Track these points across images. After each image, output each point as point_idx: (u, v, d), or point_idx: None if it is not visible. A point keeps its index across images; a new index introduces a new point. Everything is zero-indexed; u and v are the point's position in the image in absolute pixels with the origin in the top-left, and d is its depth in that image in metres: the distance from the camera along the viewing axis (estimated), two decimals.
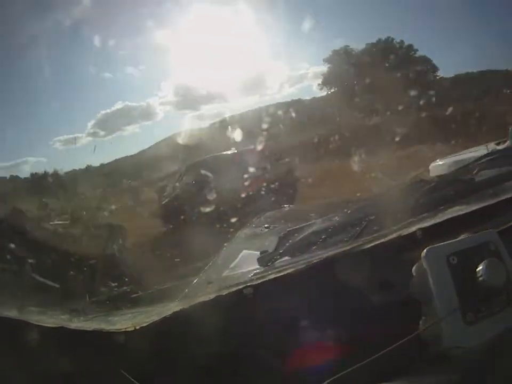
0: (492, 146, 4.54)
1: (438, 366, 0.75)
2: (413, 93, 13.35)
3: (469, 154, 4.83)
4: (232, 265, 1.40)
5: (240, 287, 0.86)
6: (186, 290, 1.29)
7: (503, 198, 1.03)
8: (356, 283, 0.88)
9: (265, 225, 1.71)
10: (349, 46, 25.09)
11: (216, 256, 1.72)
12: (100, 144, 34.01)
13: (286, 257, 1.08)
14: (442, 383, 0.74)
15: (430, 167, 5.35)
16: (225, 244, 1.81)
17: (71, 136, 36.77)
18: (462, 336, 0.76)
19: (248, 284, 0.86)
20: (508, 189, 1.07)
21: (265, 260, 1.11)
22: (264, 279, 0.88)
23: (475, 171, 1.27)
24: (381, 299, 0.85)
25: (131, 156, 25.69)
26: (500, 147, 4.04)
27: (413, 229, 0.93)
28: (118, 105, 38.48)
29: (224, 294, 0.85)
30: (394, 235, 0.93)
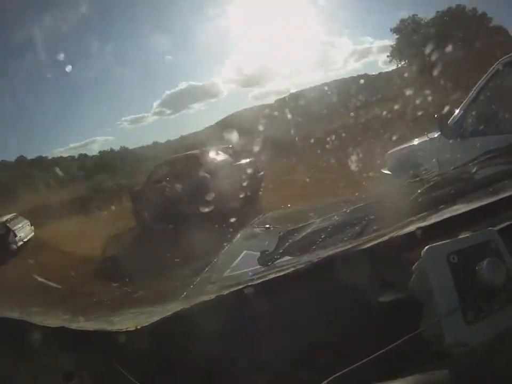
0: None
1: (438, 365, 0.75)
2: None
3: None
4: (233, 265, 1.41)
5: (241, 286, 0.86)
6: (187, 291, 1.30)
7: (503, 196, 1.03)
8: (356, 282, 0.88)
9: (266, 225, 1.71)
10: (417, 15, 23.67)
11: (217, 256, 1.72)
12: (166, 122, 34.60)
13: (286, 257, 1.08)
14: (443, 382, 0.74)
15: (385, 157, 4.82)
16: (225, 244, 1.81)
17: (138, 115, 38.36)
18: (463, 335, 0.76)
19: (249, 284, 0.86)
20: (508, 187, 1.07)
21: (265, 259, 1.12)
22: (265, 279, 0.88)
23: (475, 169, 1.27)
24: (381, 298, 0.86)
25: (196, 132, 25.33)
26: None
27: (413, 228, 0.93)
28: (182, 86, 40.05)
29: (225, 293, 0.85)
30: (394, 234, 0.93)
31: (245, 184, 7.95)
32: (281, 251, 1.10)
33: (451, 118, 3.70)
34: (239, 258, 1.45)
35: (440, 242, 0.83)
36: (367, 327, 0.83)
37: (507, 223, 0.95)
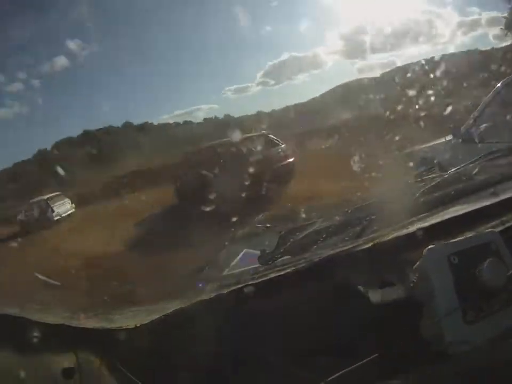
0: None
1: (439, 365, 0.75)
2: None
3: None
4: (233, 264, 1.41)
5: (241, 285, 0.86)
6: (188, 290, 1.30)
7: (504, 198, 1.03)
8: (357, 282, 0.88)
9: (266, 224, 1.71)
10: None
11: (217, 254, 1.72)
12: (270, 92, 34.89)
13: (287, 256, 1.08)
14: (444, 382, 0.74)
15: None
16: (226, 243, 1.81)
17: (242, 85, 40.02)
18: (463, 336, 0.76)
19: (249, 283, 0.86)
20: (509, 189, 1.07)
21: (266, 258, 1.12)
22: (265, 278, 0.88)
23: (476, 170, 1.27)
24: (382, 299, 0.85)
25: (301, 103, 25.12)
26: None
27: (414, 228, 0.93)
28: (284, 56, 39.89)
29: (225, 292, 0.85)
30: (395, 235, 0.93)
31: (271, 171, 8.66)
32: (282, 250, 1.10)
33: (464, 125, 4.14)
34: (239, 257, 1.45)
35: (441, 243, 0.83)
36: (367, 327, 0.83)
37: (508, 224, 0.95)
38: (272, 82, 38.38)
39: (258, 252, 1.23)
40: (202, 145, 11.53)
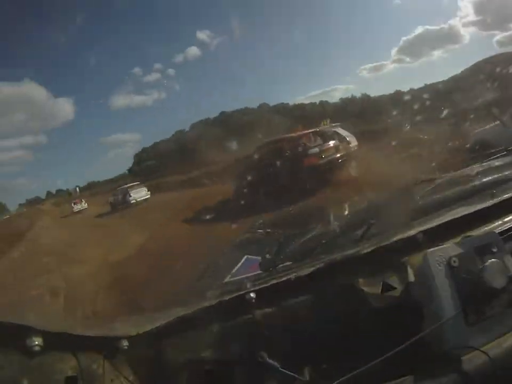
0: None
1: (441, 367, 0.75)
2: None
3: None
4: (234, 271, 1.40)
5: (243, 292, 0.86)
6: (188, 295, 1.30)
7: (503, 199, 1.03)
8: (358, 286, 0.88)
9: (267, 230, 1.71)
10: None
11: (216, 260, 1.72)
12: (407, 70, 33.11)
13: (288, 262, 1.08)
14: (443, 382, 0.74)
15: None
16: (225, 249, 1.81)
17: (376, 64, 37.72)
18: (464, 337, 0.76)
19: (251, 289, 0.86)
20: (508, 190, 1.07)
21: (267, 265, 1.11)
22: (266, 285, 0.88)
23: (476, 172, 1.27)
24: (383, 301, 0.85)
25: (442, 81, 23.05)
26: None
27: (414, 231, 0.93)
28: (418, 30, 36.58)
29: (226, 299, 0.85)
30: (395, 238, 0.93)
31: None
32: (282, 256, 1.10)
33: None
34: (240, 264, 1.44)
35: (441, 246, 0.83)
36: (369, 330, 0.83)
37: (508, 225, 0.95)
38: (408, 59, 36.08)
39: (259, 258, 1.23)
40: (270, 139, 11.79)
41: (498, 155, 1.43)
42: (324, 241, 1.08)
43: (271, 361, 0.80)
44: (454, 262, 0.80)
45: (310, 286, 0.88)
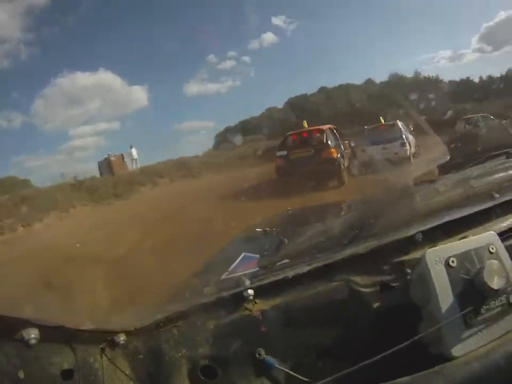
0: None
1: (438, 368, 0.75)
2: None
3: None
4: (231, 268, 1.40)
5: (240, 289, 0.86)
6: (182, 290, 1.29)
7: (503, 200, 1.03)
8: (356, 286, 0.88)
9: (265, 228, 1.70)
10: None
11: (213, 257, 1.72)
12: (488, 59, 30.34)
13: (286, 260, 1.08)
14: None
15: None
16: (223, 246, 1.81)
17: (456, 52, 36.09)
18: (462, 338, 0.76)
19: (248, 286, 0.86)
20: (508, 191, 1.07)
21: (265, 262, 1.11)
22: (264, 282, 0.88)
23: (475, 173, 1.27)
24: (381, 302, 0.85)
25: None
26: None
27: (413, 231, 0.93)
28: (501, 16, 33.44)
29: (224, 295, 0.85)
30: (394, 237, 0.93)
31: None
32: (281, 254, 1.10)
33: None
34: (237, 261, 1.44)
35: (440, 246, 0.83)
36: (366, 331, 0.83)
37: (507, 226, 0.95)
38: (490, 48, 33.77)
39: (257, 256, 1.23)
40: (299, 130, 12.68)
41: (499, 156, 1.43)
42: (322, 240, 1.08)
43: (268, 358, 0.80)
44: (453, 262, 0.80)
45: (308, 284, 0.88)
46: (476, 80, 23.67)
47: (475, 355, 0.75)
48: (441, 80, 24.12)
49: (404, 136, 11.74)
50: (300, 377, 0.80)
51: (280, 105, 25.66)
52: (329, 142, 11.06)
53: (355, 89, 24.21)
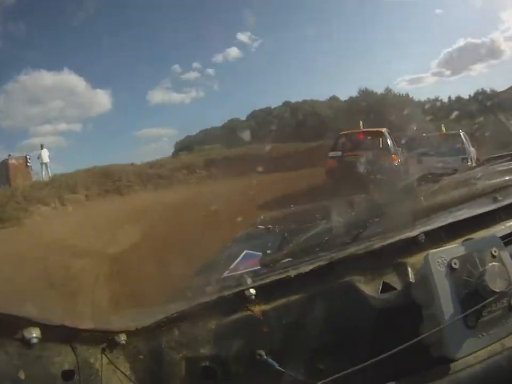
0: None
1: (439, 370, 0.75)
2: None
3: None
4: (233, 266, 1.40)
5: (242, 288, 0.86)
6: (184, 290, 1.30)
7: (505, 203, 1.03)
8: (358, 286, 0.88)
9: (268, 226, 1.71)
10: None
11: (216, 255, 1.72)
12: (445, 83, 31.04)
13: (288, 259, 1.08)
14: None
15: None
16: (227, 244, 1.81)
17: (416, 76, 36.99)
18: (463, 340, 0.76)
19: (250, 285, 0.86)
20: (510, 194, 1.07)
21: (267, 260, 1.11)
22: (266, 281, 0.88)
23: (479, 175, 1.26)
24: (383, 302, 0.85)
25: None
26: None
27: (416, 232, 0.93)
28: (460, 43, 34.92)
29: (225, 294, 0.85)
30: (397, 238, 0.92)
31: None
32: (283, 252, 1.10)
33: None
34: (239, 259, 1.44)
35: (442, 248, 0.83)
36: (368, 330, 0.83)
37: (510, 229, 0.95)
38: (448, 72, 34.55)
39: (259, 254, 1.23)
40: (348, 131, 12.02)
41: (503, 159, 1.42)
42: (325, 239, 1.07)
43: (269, 358, 0.80)
44: (455, 264, 0.79)
45: (310, 283, 0.88)
46: (445, 100, 24.03)
47: (476, 357, 0.75)
48: (412, 98, 24.31)
49: (466, 150, 10.52)
50: (301, 378, 0.80)
51: (243, 118, 25.83)
52: (389, 146, 10.29)
53: (319, 105, 24.24)
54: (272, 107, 25.50)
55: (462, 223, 0.96)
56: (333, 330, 0.85)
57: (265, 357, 0.80)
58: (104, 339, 0.76)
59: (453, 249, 0.82)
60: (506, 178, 1.16)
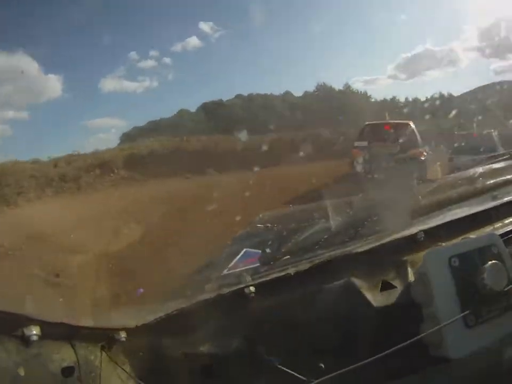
0: None
1: (438, 369, 0.75)
2: None
3: None
4: (232, 264, 1.40)
5: (242, 286, 0.86)
6: (186, 288, 1.29)
7: (505, 200, 1.03)
8: (357, 284, 0.88)
9: (267, 224, 1.70)
10: None
11: (217, 254, 1.72)
12: (399, 85, 31.86)
13: (288, 257, 1.08)
14: None
15: None
16: (227, 243, 1.80)
17: (371, 77, 36.65)
18: (463, 339, 0.76)
19: (250, 283, 0.86)
20: (510, 192, 1.07)
21: (266, 259, 1.11)
22: (266, 279, 0.88)
23: (478, 174, 1.27)
24: (382, 301, 0.85)
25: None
26: None
27: (415, 230, 0.93)
28: (419, 49, 36.82)
29: (225, 292, 0.85)
30: (396, 236, 0.93)
31: None
32: (283, 250, 1.10)
33: None
34: (238, 256, 1.44)
35: (442, 245, 0.83)
36: (367, 328, 0.83)
37: (509, 227, 0.95)
38: (403, 76, 35.99)
39: (258, 252, 1.23)
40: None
41: (502, 158, 1.43)
42: (324, 237, 1.08)
43: (268, 356, 0.80)
44: (454, 262, 0.79)
45: (309, 281, 0.88)
46: (402, 100, 24.03)
47: (475, 356, 0.75)
48: (370, 96, 24.22)
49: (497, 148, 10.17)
50: (300, 376, 0.80)
51: (193, 109, 24.91)
52: (417, 139, 9.97)
53: (273, 99, 23.78)
54: (224, 99, 24.67)
55: (461, 221, 0.96)
56: (332, 328, 0.85)
57: (264, 355, 0.80)
58: (104, 336, 0.76)
59: (453, 247, 0.82)
60: (506, 176, 1.16)
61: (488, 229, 0.95)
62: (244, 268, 1.24)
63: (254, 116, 21.36)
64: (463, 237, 0.89)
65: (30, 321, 0.65)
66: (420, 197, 1.15)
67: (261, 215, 2.04)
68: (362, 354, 0.71)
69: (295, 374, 0.80)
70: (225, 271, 1.34)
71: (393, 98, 23.71)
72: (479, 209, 1.00)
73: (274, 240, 1.24)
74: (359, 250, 0.91)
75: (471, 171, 1.33)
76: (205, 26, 28.44)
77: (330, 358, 0.81)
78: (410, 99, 23.76)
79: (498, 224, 0.98)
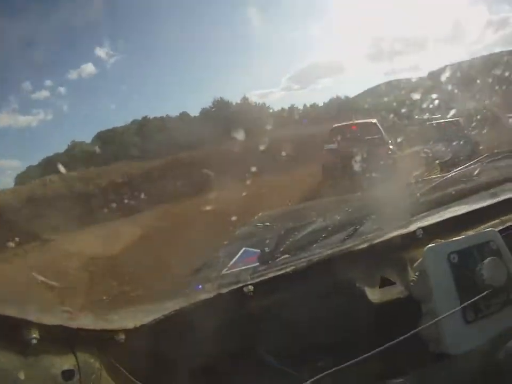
0: None
1: (437, 364, 0.75)
2: None
3: None
4: (231, 263, 1.40)
5: (241, 285, 0.86)
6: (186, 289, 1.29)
7: (504, 198, 1.03)
8: (356, 281, 0.88)
9: (266, 223, 1.70)
10: None
11: (215, 253, 1.71)
12: (293, 95, 32.57)
13: (286, 255, 1.07)
14: (442, 381, 0.74)
15: None
16: (225, 242, 1.80)
17: (265, 91, 37.32)
18: (462, 335, 0.76)
19: (249, 282, 0.86)
20: (508, 189, 1.07)
21: (265, 257, 1.11)
22: (265, 277, 0.88)
23: (477, 171, 1.27)
24: (381, 297, 0.85)
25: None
26: None
27: (414, 227, 0.93)
28: (310, 60, 37.92)
29: (224, 292, 0.85)
30: (395, 233, 0.92)
31: None
32: (281, 249, 1.10)
33: None
34: (237, 256, 1.44)
35: (441, 242, 0.83)
36: (366, 326, 0.83)
37: (508, 224, 0.95)
38: (297, 86, 36.40)
39: (257, 251, 1.23)
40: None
41: (500, 156, 1.43)
42: (323, 235, 1.07)
43: (267, 355, 0.80)
44: (454, 258, 0.79)
45: (308, 280, 0.88)
46: (300, 107, 24.07)
47: (475, 352, 0.75)
48: (268, 106, 23.94)
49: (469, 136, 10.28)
50: (299, 374, 0.80)
51: (89, 140, 23.35)
52: (383, 136, 10.01)
53: (169, 121, 22.90)
54: (118, 126, 23.49)
55: (461, 218, 0.96)
56: (332, 326, 0.85)
57: (264, 353, 0.80)
58: (103, 338, 0.76)
59: (452, 243, 0.82)
60: (504, 173, 1.16)
61: (487, 226, 0.95)
62: (243, 267, 1.23)
63: (148, 140, 20.65)
64: (462, 233, 0.89)
65: (30, 324, 0.65)
66: (418, 194, 1.15)
67: (259, 214, 2.04)
68: (363, 351, 0.71)
69: (295, 371, 0.80)
70: (224, 271, 1.34)
71: (291, 107, 23.68)
72: (478, 206, 1.00)
73: (273, 239, 1.23)
74: (358, 247, 0.91)
75: (470, 169, 1.33)
76: (100, 52, 27.17)
77: (330, 356, 0.81)
78: (308, 105, 24.07)
79: (497, 221, 0.98)
